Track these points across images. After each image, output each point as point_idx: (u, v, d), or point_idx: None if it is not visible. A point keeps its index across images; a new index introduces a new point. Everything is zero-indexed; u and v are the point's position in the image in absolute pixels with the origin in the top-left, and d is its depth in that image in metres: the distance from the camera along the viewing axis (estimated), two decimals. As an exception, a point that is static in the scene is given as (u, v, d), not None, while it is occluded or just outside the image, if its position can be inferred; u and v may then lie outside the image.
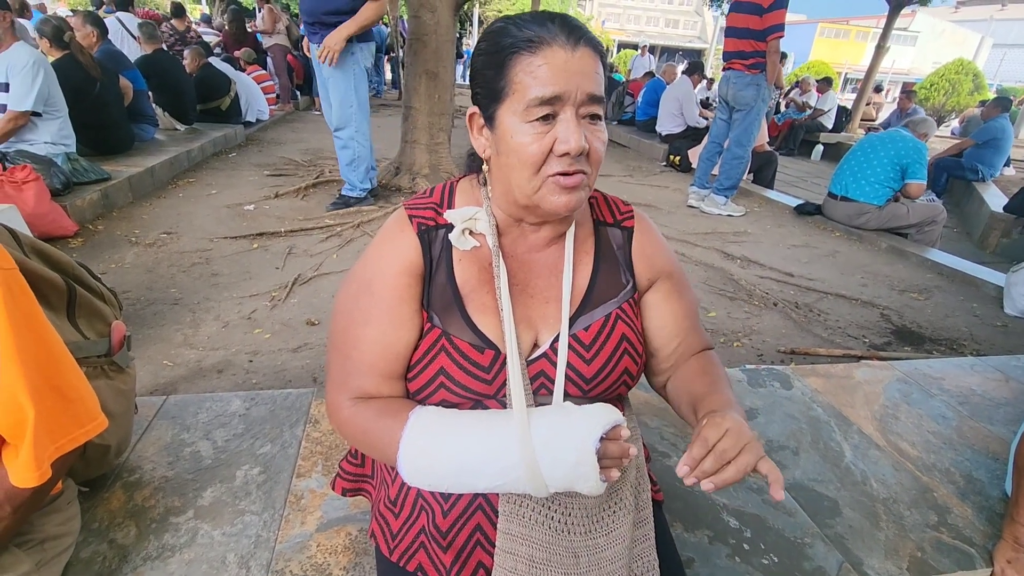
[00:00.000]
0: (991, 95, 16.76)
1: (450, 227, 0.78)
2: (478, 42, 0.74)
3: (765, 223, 4.23)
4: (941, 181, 6.29)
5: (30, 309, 0.75)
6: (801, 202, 4.52)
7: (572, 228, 0.81)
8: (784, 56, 7.14)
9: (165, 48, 5.05)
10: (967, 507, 1.21)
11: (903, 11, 10.51)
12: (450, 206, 0.80)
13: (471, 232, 0.79)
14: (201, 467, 1.16)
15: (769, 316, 2.57)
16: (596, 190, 0.86)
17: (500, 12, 26.48)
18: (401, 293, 0.76)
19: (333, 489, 0.99)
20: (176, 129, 4.85)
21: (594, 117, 0.68)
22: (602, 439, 0.66)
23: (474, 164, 0.82)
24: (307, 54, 3.82)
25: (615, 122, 8.39)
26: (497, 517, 0.75)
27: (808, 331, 2.45)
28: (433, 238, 0.78)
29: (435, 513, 0.78)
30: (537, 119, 0.66)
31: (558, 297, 0.80)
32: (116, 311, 1.13)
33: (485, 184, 0.80)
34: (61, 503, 0.91)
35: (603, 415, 0.68)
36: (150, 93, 4.44)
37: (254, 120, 5.93)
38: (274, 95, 6.87)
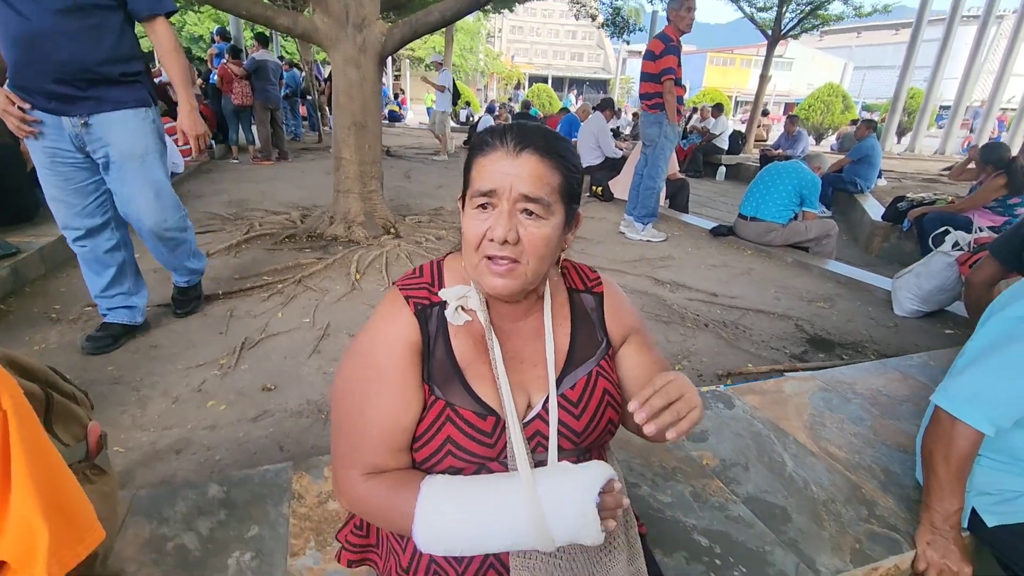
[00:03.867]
0: (858, 113, 19.02)
1: (443, 304, 0.87)
2: None
3: (686, 246, 4.58)
4: (828, 194, 7.07)
5: (35, 430, 0.76)
6: (715, 224, 4.93)
7: (548, 298, 0.92)
8: (684, 88, 7.80)
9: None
10: (889, 498, 1.42)
11: (779, 41, 11.82)
12: (440, 284, 0.89)
13: (463, 308, 0.88)
14: (189, 561, 1.14)
15: (702, 336, 2.81)
16: (568, 260, 0.98)
17: (412, 51, 26.88)
18: (404, 370, 0.83)
19: (338, 562, 1.01)
20: (84, 190, 4.56)
21: (531, 213, 0.78)
22: (600, 493, 0.76)
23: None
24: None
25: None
26: (508, 573, 0.83)
27: (737, 347, 2.70)
28: (429, 316, 0.86)
29: (449, 576, 0.84)
30: (478, 207, 0.78)
31: (544, 361, 0.90)
32: (88, 411, 1.11)
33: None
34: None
35: (599, 472, 0.77)
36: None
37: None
38: (188, 146, 6.61)
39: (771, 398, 1.84)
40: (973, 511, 1.27)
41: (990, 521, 1.23)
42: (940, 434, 1.21)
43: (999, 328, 1.21)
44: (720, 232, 4.73)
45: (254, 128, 7.78)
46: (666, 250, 4.40)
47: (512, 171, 0.77)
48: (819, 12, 11.42)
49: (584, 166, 6.80)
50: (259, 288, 3.12)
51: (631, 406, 0.72)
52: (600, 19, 10.00)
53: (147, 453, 1.77)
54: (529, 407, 0.88)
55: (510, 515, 0.78)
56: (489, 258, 0.78)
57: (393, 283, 0.90)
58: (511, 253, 0.77)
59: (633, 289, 3.33)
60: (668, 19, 4.25)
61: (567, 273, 0.98)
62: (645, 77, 4.34)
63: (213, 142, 7.62)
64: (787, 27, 11.60)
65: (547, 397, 0.87)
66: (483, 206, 0.78)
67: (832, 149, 13.27)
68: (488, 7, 13.25)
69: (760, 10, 12.06)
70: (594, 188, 6.45)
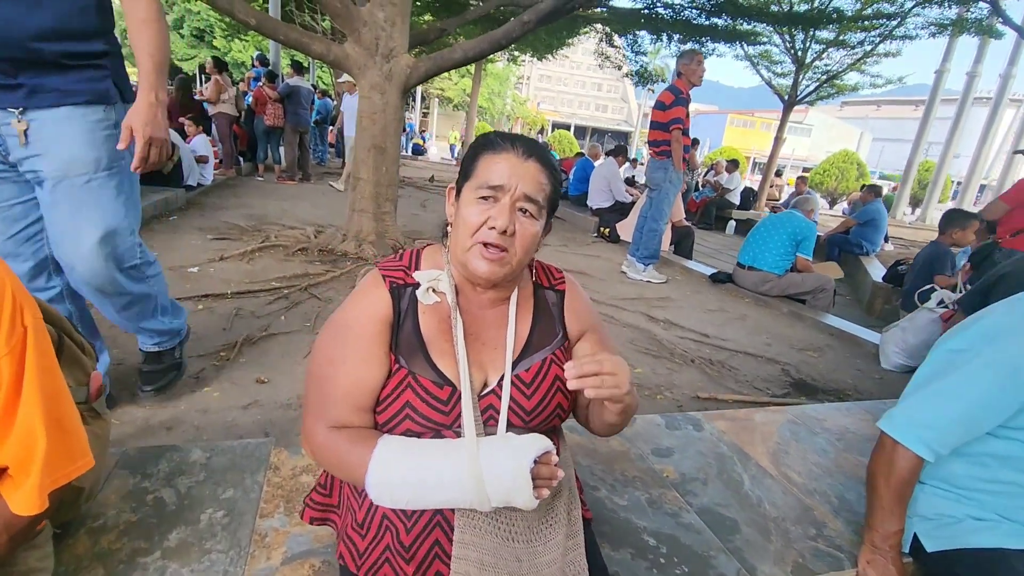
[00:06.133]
0: (873, 181, 19.30)
1: (417, 285, 0.98)
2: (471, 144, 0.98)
3: (685, 290, 4.67)
4: (834, 254, 7.16)
5: (48, 352, 0.87)
6: (715, 271, 5.03)
7: (516, 291, 1.03)
8: (696, 141, 8.03)
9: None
10: (839, 522, 1.46)
11: (797, 107, 12.20)
12: (417, 268, 1.01)
13: (434, 290, 0.99)
14: (165, 512, 1.22)
15: (688, 371, 2.87)
16: (538, 261, 1.09)
17: (442, 91, 27.93)
18: (374, 337, 0.93)
19: (301, 518, 1.09)
20: (114, 191, 4.80)
21: (526, 211, 0.91)
22: (536, 462, 0.84)
23: (444, 232, 1.04)
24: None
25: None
26: (453, 532, 0.90)
27: (721, 384, 2.75)
28: (402, 294, 0.97)
29: (399, 531, 0.92)
30: (481, 197, 0.89)
31: (504, 346, 1.00)
32: (93, 362, 1.22)
33: (447, 249, 1.01)
34: (41, 539, 0.97)
35: (536, 442, 0.86)
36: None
37: (195, 184, 5.95)
38: (217, 160, 6.96)
39: (740, 425, 1.90)
40: (915, 536, 1.31)
41: (930, 546, 1.27)
42: (883, 456, 1.28)
43: (939, 359, 1.30)
44: (719, 279, 4.82)
45: (282, 148, 8.14)
46: (665, 291, 4.50)
47: (519, 172, 0.90)
48: (835, 81, 11.81)
49: (594, 208, 7.07)
50: (267, 292, 3.26)
51: (567, 365, 0.81)
52: (626, 68, 10.44)
53: (140, 427, 1.87)
54: (486, 385, 0.97)
55: (452, 473, 0.86)
56: (483, 245, 0.89)
57: (374, 264, 1.02)
58: (505, 243, 0.89)
59: (626, 324, 3.42)
60: (679, 73, 4.48)
61: (536, 271, 1.09)
62: (654, 126, 4.56)
63: (241, 158, 7.98)
64: (803, 94, 11.99)
65: (502, 376, 0.97)
66: (486, 197, 0.89)
67: (844, 214, 13.46)
68: (516, 53, 13.85)
69: (778, 75, 12.51)
70: (602, 229, 6.61)
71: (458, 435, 0.93)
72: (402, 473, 0.88)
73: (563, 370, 1.03)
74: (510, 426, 0.96)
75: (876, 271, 6.09)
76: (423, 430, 0.93)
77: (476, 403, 0.94)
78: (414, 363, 0.94)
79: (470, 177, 0.93)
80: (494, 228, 0.88)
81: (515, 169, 0.90)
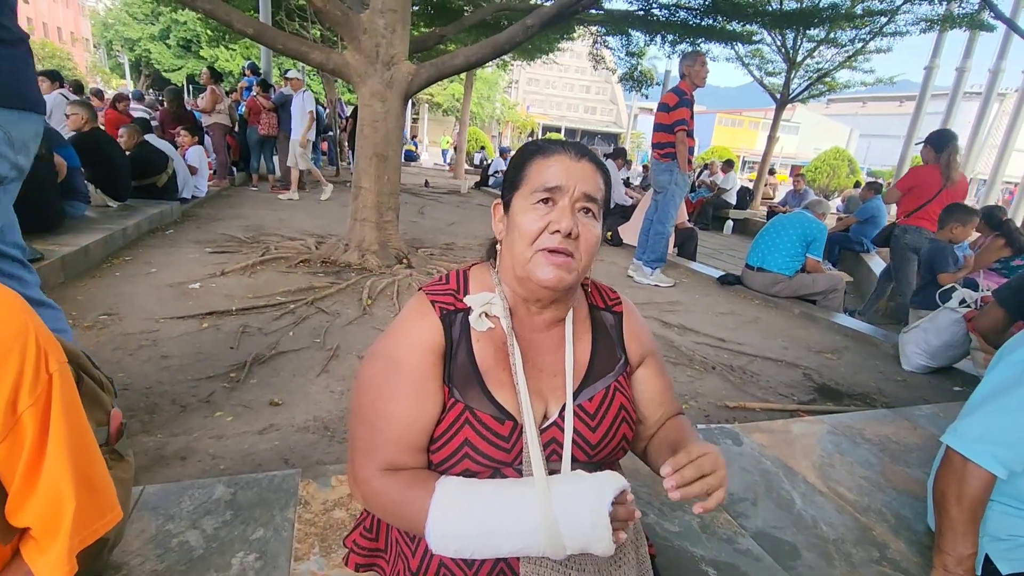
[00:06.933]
0: (863, 177, 19.44)
1: (468, 310, 0.90)
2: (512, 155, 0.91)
3: (693, 293, 4.62)
4: (835, 252, 7.15)
5: (74, 400, 0.78)
6: (723, 273, 4.98)
7: (571, 311, 0.95)
8: (694, 140, 8.02)
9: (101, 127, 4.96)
10: (901, 542, 1.39)
11: (787, 105, 12.25)
12: (465, 291, 0.93)
13: (486, 315, 0.91)
14: (193, 558, 1.13)
15: (710, 379, 2.81)
16: (591, 279, 1.02)
17: (432, 96, 27.84)
18: (426, 370, 0.85)
19: (346, 565, 1.01)
20: (108, 206, 4.69)
21: (588, 212, 0.84)
22: (612, 504, 0.76)
23: (490, 252, 0.96)
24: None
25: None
26: (518, 579, 0.82)
27: (745, 391, 2.69)
28: (453, 320, 0.88)
29: (459, 581, 0.84)
30: (539, 201, 0.82)
31: (563, 372, 0.92)
32: (112, 398, 1.13)
33: (495, 269, 0.94)
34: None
35: (613, 482, 0.77)
36: (83, 170, 4.32)
37: (190, 196, 5.84)
38: (211, 171, 6.84)
39: (779, 438, 1.84)
40: (987, 558, 1.25)
41: (1004, 568, 1.21)
42: (952, 475, 1.21)
43: (1008, 371, 1.23)
44: (727, 281, 4.77)
45: (275, 158, 8.02)
46: (674, 295, 4.44)
47: (575, 172, 0.83)
48: (826, 80, 11.86)
49: (594, 211, 7.01)
50: (272, 307, 3.16)
51: (663, 469, 0.74)
52: (619, 72, 10.43)
53: (153, 458, 1.77)
54: (546, 416, 0.89)
55: (522, 519, 0.78)
56: (546, 251, 0.81)
57: (419, 288, 0.94)
58: (570, 247, 0.82)
59: (640, 330, 3.34)
60: (683, 74, 4.44)
61: (589, 291, 1.01)
62: (658, 128, 4.50)
63: (234, 168, 7.86)
64: (795, 92, 12.03)
65: (564, 406, 0.89)
66: (545, 200, 0.82)
67: (837, 211, 13.51)
68: (506, 58, 13.82)
69: (769, 74, 12.56)
70: (605, 233, 6.55)
71: (519, 473, 0.85)
72: (467, 521, 0.79)
73: (627, 399, 0.96)
74: (574, 461, 0.89)
75: (878, 268, 6.06)
76: (482, 469, 0.85)
77: (539, 439, 0.86)
78: (470, 396, 0.86)
79: (520, 186, 0.86)
80: (557, 231, 0.81)
81: (570, 170, 0.83)
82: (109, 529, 0.83)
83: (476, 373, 0.87)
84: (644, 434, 1.02)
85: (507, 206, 0.88)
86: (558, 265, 0.82)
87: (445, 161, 20.86)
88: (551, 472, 0.85)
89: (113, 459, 1.04)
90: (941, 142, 4.31)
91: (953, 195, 4.25)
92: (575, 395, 0.90)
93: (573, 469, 0.87)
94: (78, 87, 6.76)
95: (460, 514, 0.80)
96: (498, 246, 0.94)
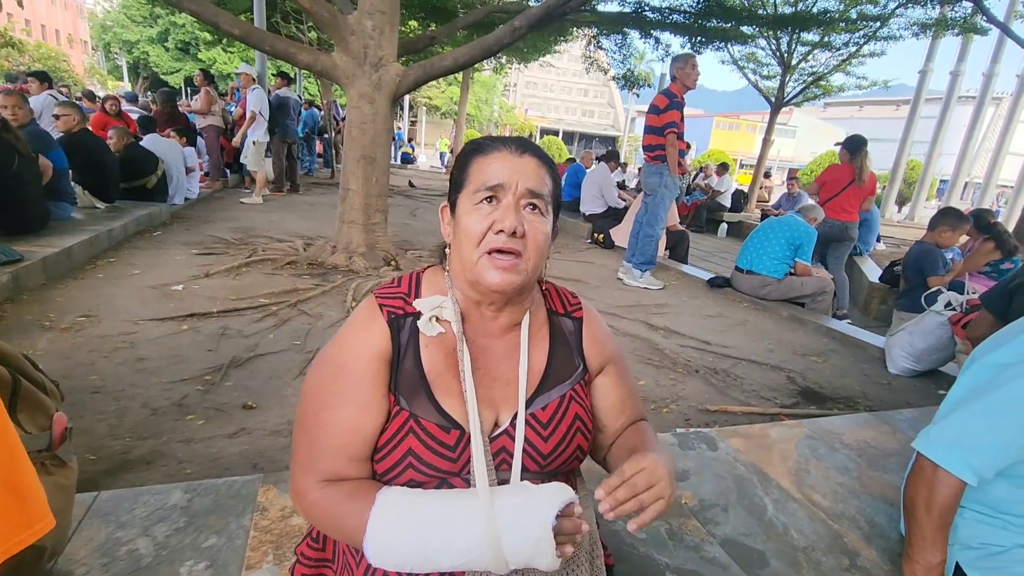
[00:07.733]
0: (860, 181, 19.46)
1: (417, 315, 0.87)
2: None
3: (682, 295, 4.59)
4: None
5: (-5, 406, 0.75)
6: (712, 276, 4.96)
7: (527, 316, 0.92)
8: (688, 146, 8.03)
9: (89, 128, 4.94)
10: (872, 550, 1.37)
11: (782, 108, 12.25)
12: (417, 295, 0.90)
13: (438, 319, 0.88)
14: (140, 567, 1.10)
15: (692, 382, 2.78)
16: (549, 283, 0.99)
17: (430, 99, 27.88)
18: (371, 378, 0.82)
19: (291, 575, 0.98)
20: (96, 207, 4.66)
21: (534, 208, 0.81)
22: (557, 516, 0.72)
23: (442, 256, 0.93)
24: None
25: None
26: (462, 596, 0.79)
27: (727, 395, 2.66)
28: (402, 325, 0.85)
29: (402, 593, 0.81)
30: (482, 201, 0.79)
31: (517, 380, 0.89)
32: (57, 402, 1.10)
33: (447, 271, 0.91)
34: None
35: (560, 494, 0.74)
36: (71, 171, 4.30)
37: (182, 201, 5.81)
38: (203, 172, 6.82)
39: (756, 442, 1.81)
40: (957, 566, 1.22)
41: (974, 577, 1.18)
42: (922, 482, 1.18)
43: (981, 374, 1.20)
44: (717, 284, 4.75)
45: (269, 160, 7.99)
46: (663, 298, 4.41)
47: (518, 168, 0.80)
48: (821, 83, 11.86)
49: (587, 214, 6.98)
50: (254, 309, 3.13)
51: (597, 493, 0.72)
52: (612, 72, 10.42)
53: (117, 462, 1.74)
54: (496, 425, 0.86)
55: (465, 531, 0.74)
56: (492, 253, 0.79)
57: (370, 291, 0.91)
58: (516, 246, 0.79)
59: (626, 333, 3.32)
60: (673, 77, 4.42)
61: (548, 295, 0.98)
62: (648, 130, 4.48)
63: (227, 170, 7.83)
64: (790, 96, 12.04)
65: (516, 415, 0.86)
66: (488, 199, 0.80)
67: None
68: (503, 60, 13.81)
69: (765, 78, 12.56)
70: (596, 235, 6.53)
71: (467, 483, 0.82)
72: (405, 535, 0.76)
73: (583, 408, 0.93)
74: (524, 471, 0.85)
75: (872, 271, 6.05)
76: (427, 479, 0.82)
77: (488, 447, 0.83)
78: (416, 404, 0.82)
79: (463, 186, 0.83)
80: (502, 231, 0.78)
81: (513, 166, 0.80)
82: (39, 538, 0.80)
83: (423, 380, 0.84)
84: (604, 443, 0.99)
85: (453, 208, 0.85)
86: (504, 268, 0.79)
87: (442, 164, 20.86)
88: (501, 482, 0.82)
89: (55, 464, 1.01)
90: (854, 146, 4.77)
91: (861, 192, 4.79)
92: (528, 403, 0.87)
93: (523, 480, 0.84)
94: (90, 96, 6.69)
95: (399, 526, 0.76)
96: (447, 250, 0.91)
